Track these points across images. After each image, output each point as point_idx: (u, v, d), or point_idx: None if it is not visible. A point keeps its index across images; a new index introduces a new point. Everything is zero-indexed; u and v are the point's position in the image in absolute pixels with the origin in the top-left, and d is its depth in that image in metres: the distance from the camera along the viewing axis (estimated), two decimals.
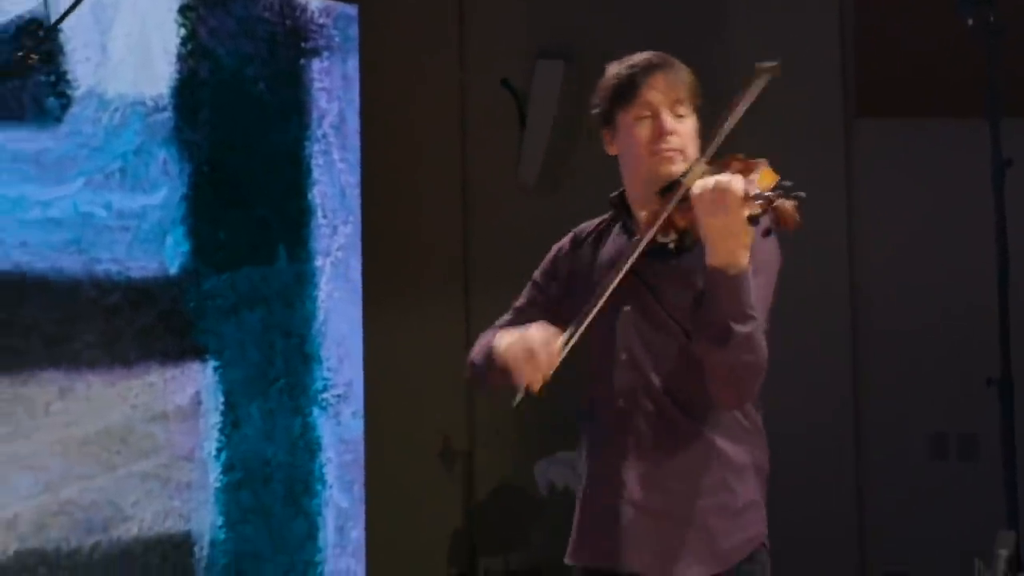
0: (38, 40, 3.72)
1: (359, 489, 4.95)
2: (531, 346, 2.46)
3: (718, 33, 5.23)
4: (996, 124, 3.97)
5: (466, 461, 5.91)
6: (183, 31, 4.38)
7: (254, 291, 4.57)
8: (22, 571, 3.90)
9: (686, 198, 2.41)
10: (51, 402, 4.01)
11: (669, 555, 2.51)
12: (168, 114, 4.32)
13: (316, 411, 4.79)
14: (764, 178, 2.33)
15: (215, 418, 4.45)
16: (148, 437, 4.26)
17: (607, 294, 2.46)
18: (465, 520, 5.94)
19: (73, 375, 4.06)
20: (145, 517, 4.24)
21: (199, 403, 4.40)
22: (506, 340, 2.54)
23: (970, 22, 3.91)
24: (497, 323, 2.72)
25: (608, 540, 2.55)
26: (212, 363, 4.44)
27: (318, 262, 4.81)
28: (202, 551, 4.40)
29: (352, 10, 4.97)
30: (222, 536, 4.45)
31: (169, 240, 4.32)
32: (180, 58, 4.36)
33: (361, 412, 4.96)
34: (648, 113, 2.54)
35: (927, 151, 5.18)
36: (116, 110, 4.18)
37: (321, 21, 4.83)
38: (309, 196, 4.79)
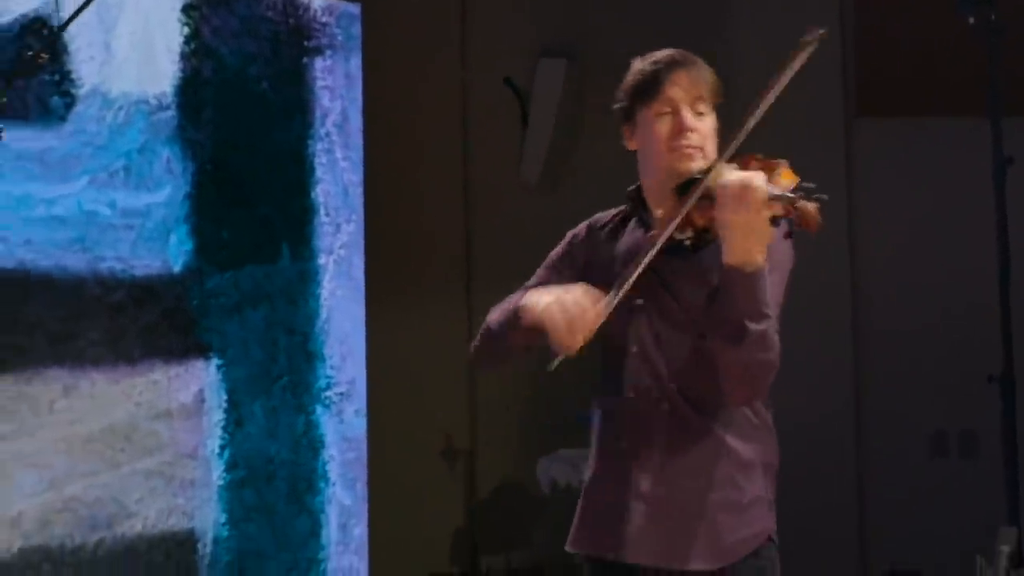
0: (46, 39, 3.73)
1: (362, 487, 4.95)
2: (572, 308, 2.44)
3: (719, 32, 5.24)
4: (997, 123, 3.98)
5: (468, 459, 5.92)
6: (186, 30, 4.39)
7: (257, 289, 4.57)
8: (26, 568, 3.91)
9: (705, 196, 2.42)
10: (55, 400, 4.02)
11: (674, 548, 2.52)
12: (172, 113, 4.33)
13: (319, 409, 4.80)
14: (784, 179, 2.34)
15: (218, 416, 4.46)
16: (152, 435, 4.27)
17: (628, 286, 2.46)
18: (467, 518, 5.95)
19: (77, 373, 4.07)
20: (149, 514, 4.25)
21: (203, 401, 4.41)
22: (543, 299, 2.50)
23: (971, 20, 3.92)
24: (506, 300, 2.70)
25: (614, 531, 2.56)
26: (215, 361, 4.45)
27: (321, 260, 4.82)
28: (205, 548, 4.40)
29: (355, 9, 4.98)
30: (225, 533, 4.46)
31: (173, 238, 4.33)
32: (183, 57, 4.37)
33: (364, 410, 4.97)
34: (669, 109, 2.55)
35: (927, 150, 5.19)
36: (120, 109, 4.19)
37: (324, 20, 4.84)
38: (312, 194, 4.79)
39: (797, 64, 2.37)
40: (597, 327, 2.44)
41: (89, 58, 4.10)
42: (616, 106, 2.65)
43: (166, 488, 4.30)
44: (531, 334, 2.55)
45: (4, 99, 2.68)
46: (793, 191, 2.30)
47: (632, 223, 2.65)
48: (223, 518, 4.45)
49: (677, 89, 2.55)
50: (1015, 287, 4.01)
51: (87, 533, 4.07)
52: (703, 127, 2.56)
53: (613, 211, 2.72)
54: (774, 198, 2.28)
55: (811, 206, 2.28)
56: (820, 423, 5.00)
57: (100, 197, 4.14)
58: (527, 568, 5.83)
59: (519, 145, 5.92)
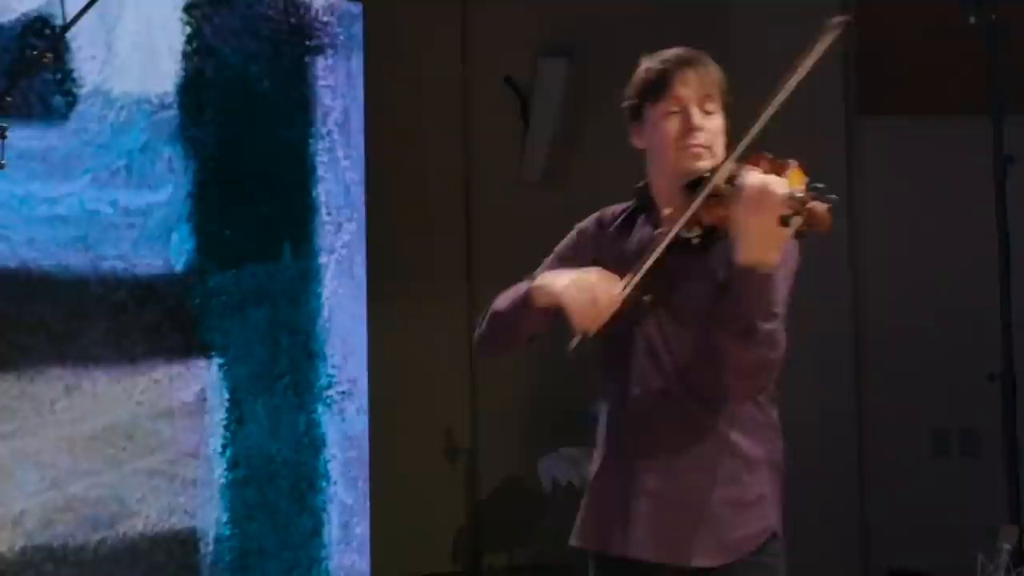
0: (49, 38, 3.73)
1: (363, 485, 4.95)
2: (593, 289, 2.44)
3: (720, 31, 5.24)
4: (998, 122, 3.99)
5: (470, 457, 5.93)
6: (188, 29, 4.39)
7: (259, 288, 4.58)
8: (28, 567, 3.92)
9: (714, 195, 2.42)
10: (57, 399, 4.03)
11: (678, 544, 2.53)
12: (173, 112, 4.33)
13: (321, 408, 4.80)
14: (794, 179, 2.34)
15: (220, 415, 4.46)
16: (154, 434, 4.27)
17: (643, 271, 2.46)
18: (469, 516, 5.96)
19: (79, 372, 4.07)
20: (151, 513, 4.25)
21: (204, 400, 4.41)
22: (560, 280, 2.50)
23: (972, 20, 3.92)
24: (512, 288, 2.69)
25: (618, 526, 2.57)
26: (217, 360, 4.45)
27: (323, 259, 4.82)
28: (207, 547, 4.41)
29: (356, 8, 4.98)
30: (227, 532, 4.46)
31: (175, 237, 4.33)
32: (185, 56, 4.37)
33: (365, 408, 4.97)
34: (677, 108, 2.54)
35: (929, 149, 5.19)
36: (122, 108, 4.20)
37: (325, 19, 4.84)
38: (314, 193, 4.79)
39: (818, 52, 2.37)
40: (614, 310, 2.44)
41: (91, 57, 4.11)
42: (624, 104, 2.65)
43: (168, 487, 4.30)
44: (543, 316, 2.55)
45: (9, 98, 2.68)
46: (804, 191, 2.30)
47: (640, 219, 2.65)
48: (225, 517, 4.46)
49: (686, 88, 2.54)
50: (1016, 286, 4.02)
51: (89, 532, 4.08)
52: (712, 126, 2.55)
53: (621, 206, 2.71)
54: (789, 199, 2.29)
55: (822, 207, 2.28)
56: (821, 422, 5.00)
57: (102, 196, 4.14)
58: (529, 566, 5.84)
59: (520, 144, 5.93)
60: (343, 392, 4.88)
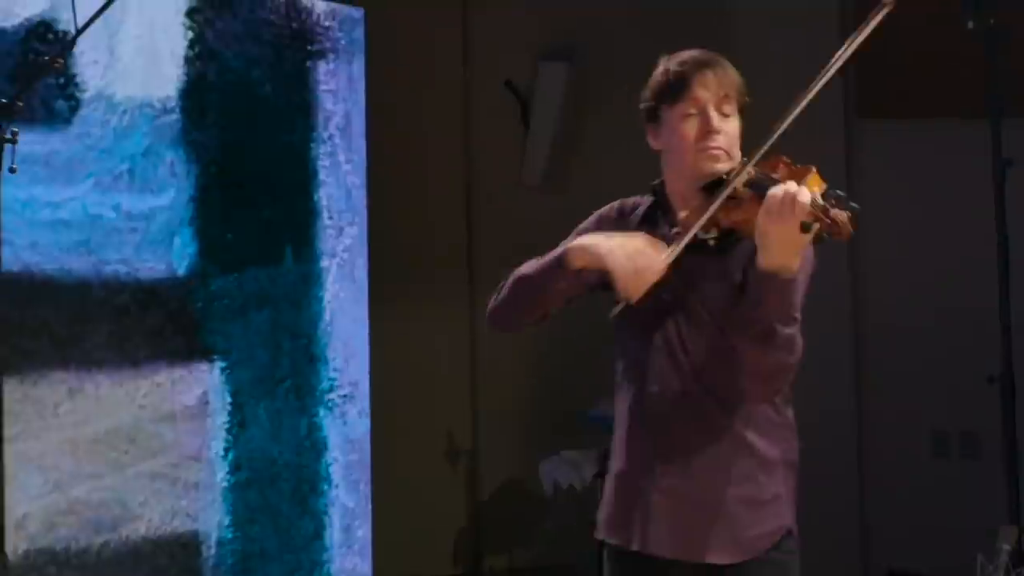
0: (61, 42, 3.73)
1: (365, 488, 4.96)
2: (640, 255, 2.44)
3: (720, 34, 5.25)
4: (997, 125, 4.00)
5: (471, 460, 5.94)
6: (190, 34, 4.40)
7: (261, 292, 4.58)
8: (31, 570, 3.92)
9: (732, 197, 2.44)
10: (60, 402, 4.04)
11: (693, 540, 2.56)
12: (176, 116, 4.34)
13: (322, 411, 4.81)
14: (812, 185, 2.35)
15: (222, 418, 4.47)
16: (156, 437, 4.28)
17: (687, 240, 2.45)
18: (470, 519, 5.96)
19: (82, 375, 4.08)
20: (153, 516, 4.26)
21: (206, 403, 4.42)
22: (606, 242, 2.50)
23: (971, 25, 3.94)
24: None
25: (635, 523, 2.60)
26: (219, 363, 4.46)
27: (324, 263, 4.82)
28: (209, 550, 4.41)
29: (357, 13, 4.99)
30: (229, 535, 4.47)
31: (177, 241, 4.34)
32: (187, 61, 4.38)
33: (367, 412, 4.98)
34: (695, 111, 2.55)
35: (928, 151, 5.20)
36: (124, 112, 4.21)
37: (327, 24, 4.85)
38: (315, 197, 4.80)
39: (866, 32, 2.38)
40: (659, 279, 2.44)
41: (93, 62, 4.12)
42: (641, 105, 2.65)
43: (170, 490, 4.31)
44: (576, 280, 2.55)
45: (20, 103, 2.69)
46: (825, 198, 2.32)
47: (659, 216, 2.65)
48: (227, 520, 4.47)
49: (704, 90, 2.55)
50: (1015, 288, 4.03)
51: (92, 535, 4.09)
52: (729, 128, 2.56)
53: (638, 198, 2.72)
54: (812, 208, 2.30)
55: (844, 216, 2.30)
56: (822, 423, 5.01)
57: (105, 200, 4.15)
58: (529, 568, 5.84)
59: (520, 147, 5.94)
60: (345, 395, 4.88)
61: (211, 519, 4.42)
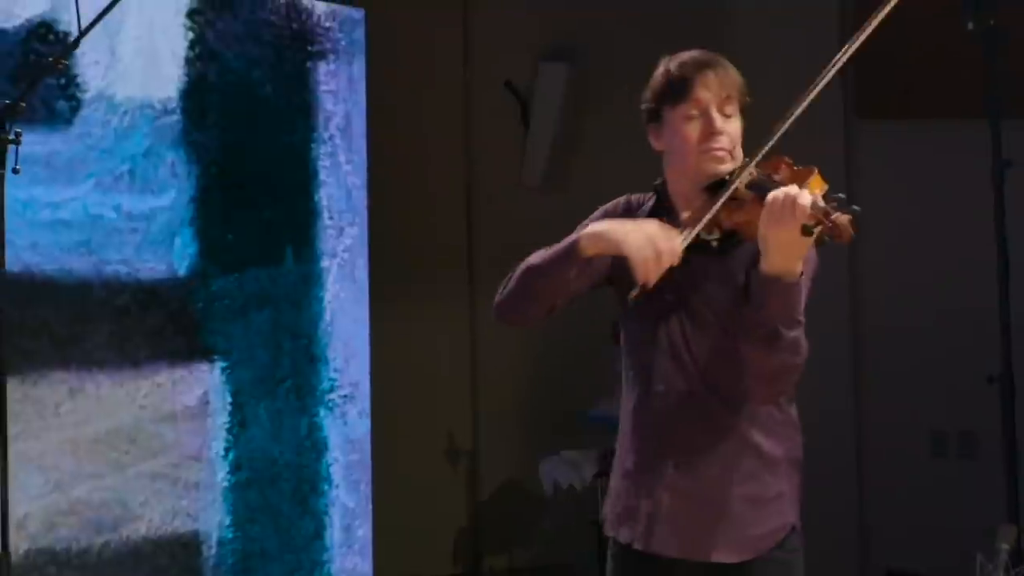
0: (64, 43, 3.74)
1: (365, 488, 4.96)
2: (656, 240, 2.42)
3: (719, 35, 5.26)
4: (996, 126, 4.01)
5: (471, 460, 5.95)
6: (191, 35, 4.41)
7: (261, 292, 4.59)
8: (32, 570, 3.92)
9: (734, 198, 2.44)
10: (61, 402, 4.04)
11: (699, 540, 2.57)
12: (176, 117, 4.35)
13: (323, 411, 4.81)
14: (814, 187, 2.36)
15: (223, 418, 4.48)
16: (157, 437, 4.28)
17: (700, 226, 2.45)
18: (470, 519, 5.97)
19: (83, 375, 4.08)
20: (154, 516, 4.27)
21: (207, 403, 4.42)
22: (620, 228, 2.49)
23: (970, 26, 3.94)
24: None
25: (641, 522, 2.61)
26: (220, 364, 4.46)
27: (325, 263, 4.83)
28: (210, 550, 4.42)
29: (358, 13, 5.00)
30: (230, 535, 4.48)
31: (177, 242, 4.35)
32: (188, 61, 4.39)
33: (367, 412, 4.98)
34: (697, 112, 2.55)
35: (927, 152, 5.20)
36: (125, 113, 4.21)
37: (327, 24, 4.85)
38: (316, 198, 4.80)
39: (880, 19, 2.39)
40: (674, 264, 2.43)
41: (94, 62, 4.12)
42: (642, 107, 2.65)
43: (171, 490, 4.31)
44: (587, 268, 2.55)
45: (24, 103, 2.70)
46: (826, 200, 2.32)
47: (663, 216, 2.65)
48: (227, 520, 4.47)
49: (706, 91, 2.54)
50: (1014, 289, 4.03)
51: (92, 535, 4.09)
52: (731, 129, 2.56)
53: (643, 195, 2.72)
54: (813, 211, 2.30)
55: (844, 219, 2.30)
56: (820, 423, 5.01)
57: (105, 201, 4.16)
58: (529, 568, 5.85)
59: (520, 147, 5.95)
60: (345, 395, 4.89)
61: (212, 519, 4.42)
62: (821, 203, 2.31)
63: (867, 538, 5.32)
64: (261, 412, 4.58)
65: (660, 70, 2.63)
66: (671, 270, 2.46)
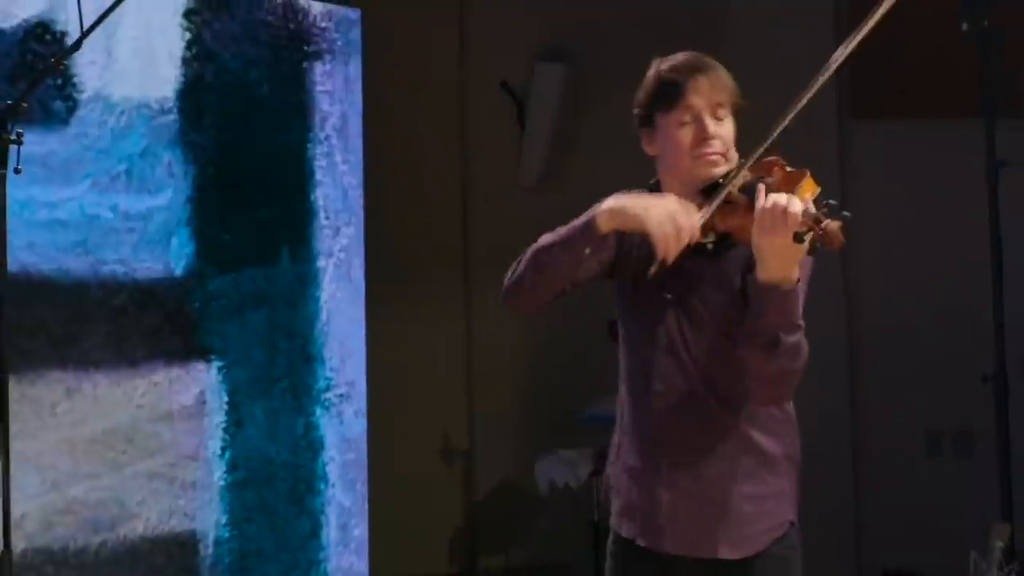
0: (65, 45, 3.74)
1: (362, 487, 4.97)
2: (675, 216, 2.42)
3: (716, 36, 5.27)
4: (990, 126, 4.02)
5: (467, 459, 5.95)
6: (188, 35, 4.40)
7: (258, 292, 4.59)
8: (29, 570, 3.92)
9: (728, 201, 2.45)
10: (58, 402, 4.04)
11: (700, 537, 2.59)
12: (173, 117, 4.34)
13: (319, 411, 4.81)
14: (806, 190, 2.37)
15: (219, 418, 4.48)
16: (154, 436, 4.28)
17: (712, 212, 2.45)
18: (466, 518, 5.98)
19: (80, 375, 4.08)
20: (150, 516, 4.26)
21: (204, 403, 4.42)
22: (640, 202, 2.47)
23: (965, 27, 3.96)
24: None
25: (643, 520, 2.63)
26: (216, 363, 4.46)
27: (321, 263, 4.83)
28: (207, 549, 4.42)
29: (354, 14, 5.00)
30: (226, 534, 4.48)
31: (174, 241, 4.35)
32: (185, 62, 4.39)
33: (363, 411, 4.99)
34: (689, 118, 2.55)
35: (922, 152, 5.22)
36: (122, 113, 4.21)
37: (323, 25, 4.85)
38: (312, 197, 4.81)
39: (875, 18, 2.40)
40: (693, 240, 2.43)
41: (91, 62, 4.11)
42: (635, 111, 2.65)
43: (168, 489, 4.31)
44: (602, 244, 2.53)
45: (25, 104, 2.70)
46: (817, 206, 2.33)
47: None
48: (224, 519, 4.47)
49: (698, 97, 2.54)
50: (1008, 288, 4.05)
51: (89, 534, 4.09)
52: (724, 132, 2.57)
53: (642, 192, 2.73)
54: (803, 218, 2.31)
55: (835, 226, 2.31)
56: (816, 424, 5.01)
57: (102, 200, 4.15)
58: (525, 567, 5.86)
59: (517, 148, 5.95)
60: (341, 395, 4.89)
61: (208, 518, 4.42)
62: (812, 210, 2.32)
63: (863, 537, 5.33)
64: (257, 411, 4.58)
65: (651, 73, 2.63)
66: (667, 273, 2.47)
